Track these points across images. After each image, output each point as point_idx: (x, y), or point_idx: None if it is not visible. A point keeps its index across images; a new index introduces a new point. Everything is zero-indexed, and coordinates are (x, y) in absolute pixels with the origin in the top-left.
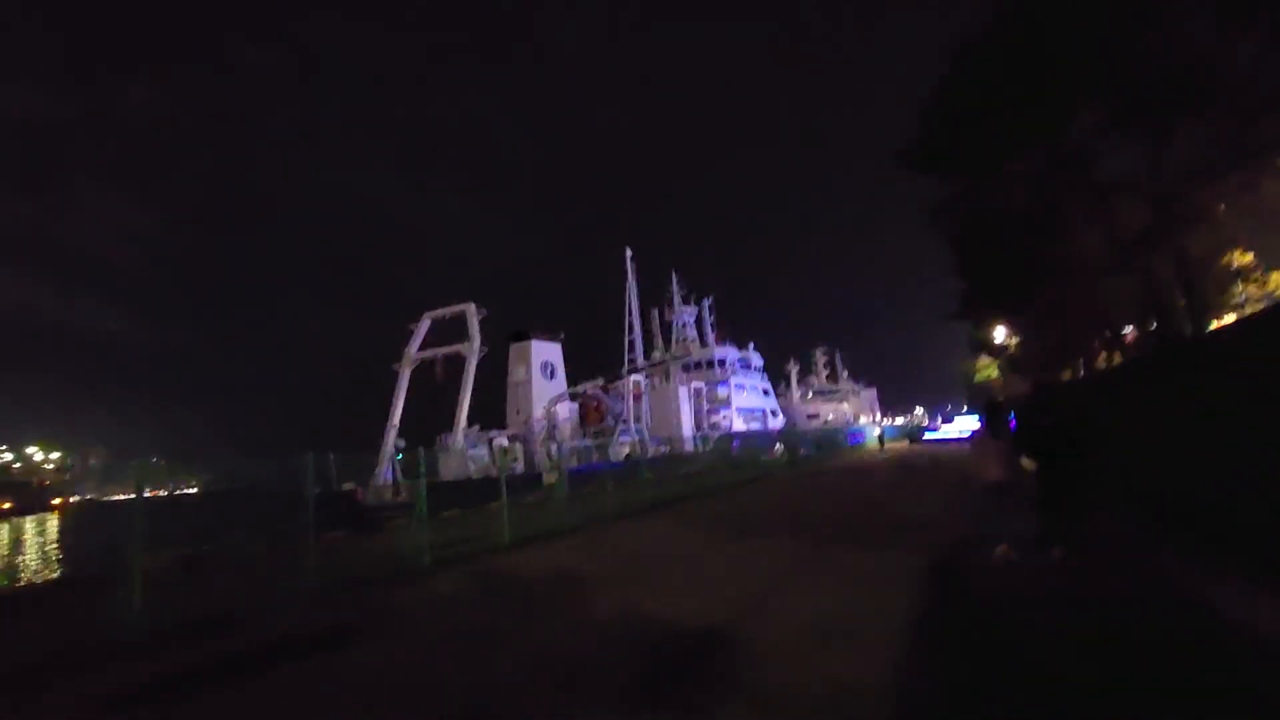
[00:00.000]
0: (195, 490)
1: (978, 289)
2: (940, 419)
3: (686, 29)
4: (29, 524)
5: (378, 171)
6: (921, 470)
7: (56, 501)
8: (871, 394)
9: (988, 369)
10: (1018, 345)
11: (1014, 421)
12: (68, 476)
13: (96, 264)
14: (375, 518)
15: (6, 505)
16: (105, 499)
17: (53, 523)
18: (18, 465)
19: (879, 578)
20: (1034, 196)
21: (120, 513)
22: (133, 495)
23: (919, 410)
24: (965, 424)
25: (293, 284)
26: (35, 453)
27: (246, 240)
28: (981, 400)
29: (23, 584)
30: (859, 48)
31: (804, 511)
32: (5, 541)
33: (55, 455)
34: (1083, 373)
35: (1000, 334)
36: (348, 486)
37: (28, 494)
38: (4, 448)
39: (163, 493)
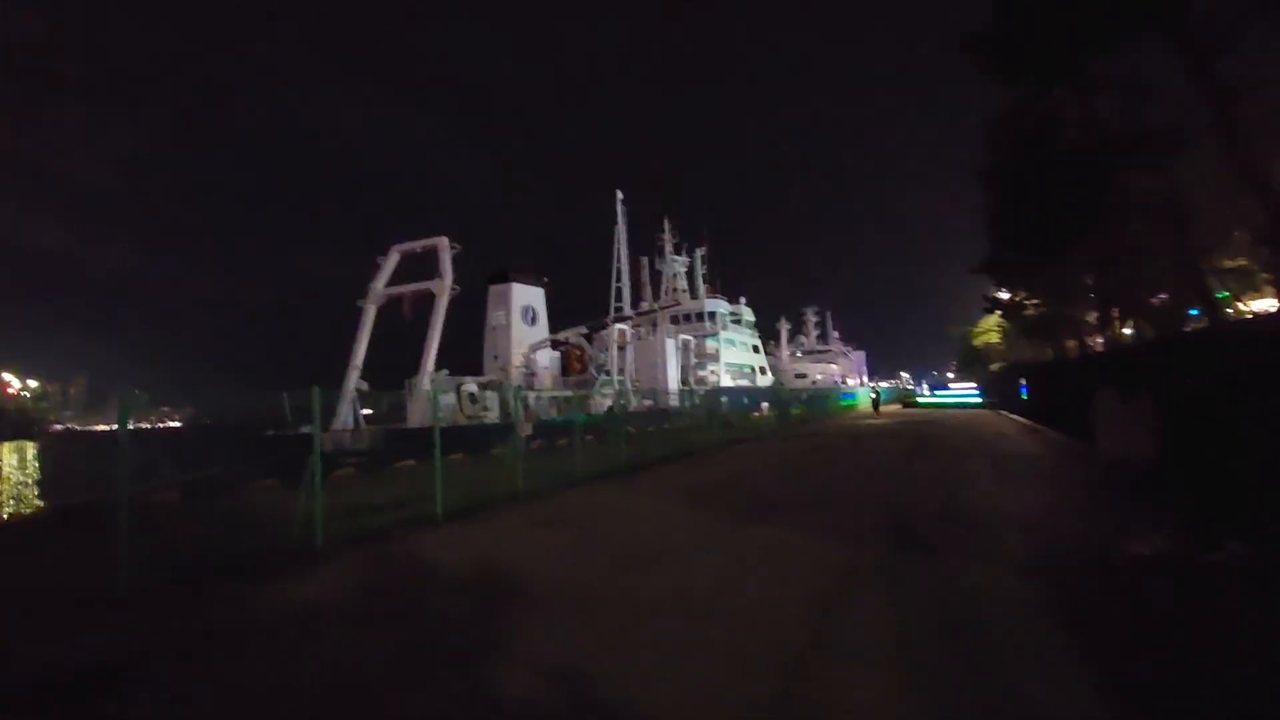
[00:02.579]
0: (179, 425)
1: (1021, 229)
2: (926, 384)
3: None
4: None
5: (360, 103)
6: (933, 436)
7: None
8: (860, 356)
9: (988, 334)
10: (1038, 305)
11: (1025, 389)
12: (45, 404)
13: (68, 184)
14: (328, 465)
15: None
16: (87, 428)
17: (31, 451)
18: None
19: (980, 613)
20: (1129, 105)
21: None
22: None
23: (905, 375)
24: (965, 389)
25: (272, 215)
26: (9, 379)
27: (223, 169)
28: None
29: None
30: None
31: (814, 483)
32: None
33: (33, 384)
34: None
35: (1005, 294)
36: (305, 430)
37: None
38: None
39: (145, 425)
